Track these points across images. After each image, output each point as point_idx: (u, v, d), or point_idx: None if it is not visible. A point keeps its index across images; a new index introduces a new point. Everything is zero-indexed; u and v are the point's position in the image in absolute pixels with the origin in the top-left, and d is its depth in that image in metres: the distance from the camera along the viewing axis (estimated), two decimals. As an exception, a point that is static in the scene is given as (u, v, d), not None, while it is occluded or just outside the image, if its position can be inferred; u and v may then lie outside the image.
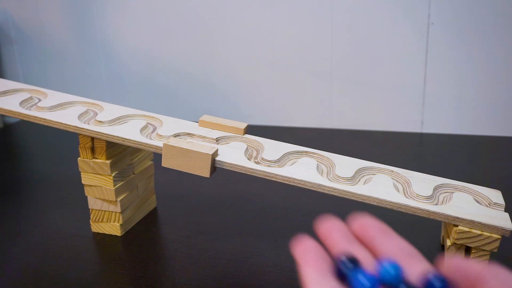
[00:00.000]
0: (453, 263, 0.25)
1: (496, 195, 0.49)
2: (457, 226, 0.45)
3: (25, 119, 0.56)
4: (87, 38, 1.02)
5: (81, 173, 0.56)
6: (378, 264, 0.27)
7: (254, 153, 0.52)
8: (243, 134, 0.54)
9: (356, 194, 0.47)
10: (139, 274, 0.51)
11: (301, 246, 0.27)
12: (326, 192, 0.47)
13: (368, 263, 0.28)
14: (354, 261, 0.27)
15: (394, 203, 0.46)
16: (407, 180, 0.50)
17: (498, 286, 0.22)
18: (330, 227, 0.30)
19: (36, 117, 0.55)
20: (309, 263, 0.26)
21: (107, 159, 0.55)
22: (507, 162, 0.78)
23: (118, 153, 0.56)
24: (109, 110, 0.58)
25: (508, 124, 0.89)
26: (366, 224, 0.29)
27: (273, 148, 0.52)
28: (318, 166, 0.50)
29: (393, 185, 0.49)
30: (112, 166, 0.55)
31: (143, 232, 0.59)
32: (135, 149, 0.59)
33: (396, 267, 0.26)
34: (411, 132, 0.92)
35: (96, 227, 0.58)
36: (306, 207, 0.64)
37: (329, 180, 0.48)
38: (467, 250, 0.46)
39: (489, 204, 0.48)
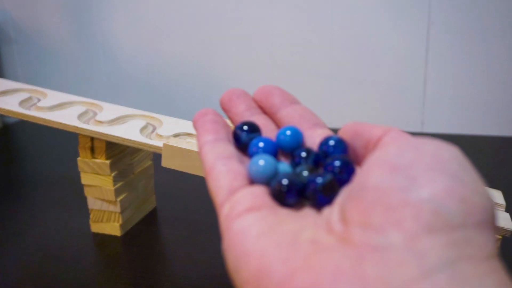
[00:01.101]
0: (352, 127, 0.24)
1: (496, 195, 0.49)
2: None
3: (24, 119, 0.56)
4: (87, 37, 1.02)
5: (81, 173, 0.56)
6: (278, 130, 0.26)
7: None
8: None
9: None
10: (139, 274, 0.51)
11: (201, 116, 0.26)
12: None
13: (270, 132, 0.27)
14: (253, 128, 0.26)
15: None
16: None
17: (390, 141, 0.22)
18: (233, 97, 0.28)
19: (35, 117, 0.55)
20: (206, 130, 0.25)
21: (107, 159, 0.54)
22: (507, 162, 0.78)
23: (118, 153, 0.56)
24: (109, 110, 0.58)
25: (509, 124, 0.88)
26: (269, 92, 0.28)
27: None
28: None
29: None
30: (112, 166, 0.55)
31: (143, 232, 0.59)
32: (135, 149, 0.59)
33: (295, 131, 0.25)
34: (411, 132, 0.92)
35: (95, 227, 0.58)
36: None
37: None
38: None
39: (489, 204, 0.48)
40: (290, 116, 0.27)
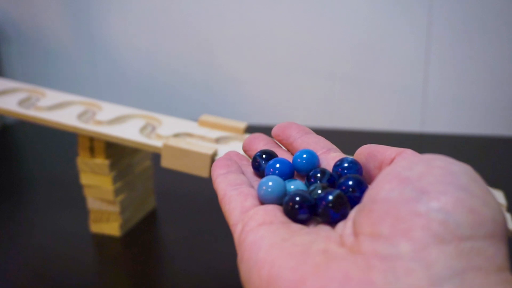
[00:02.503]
0: (366, 149, 0.25)
1: (497, 195, 0.49)
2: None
3: (23, 119, 0.56)
4: (87, 37, 1.02)
5: (80, 173, 0.56)
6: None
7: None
8: (243, 134, 0.54)
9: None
10: (139, 274, 0.51)
11: (218, 159, 0.27)
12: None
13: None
14: (270, 154, 0.27)
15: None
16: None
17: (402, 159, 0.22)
18: (253, 139, 0.30)
19: (34, 117, 0.55)
20: (219, 166, 0.26)
21: (106, 159, 0.54)
22: (508, 162, 0.78)
23: (117, 153, 0.56)
24: (108, 110, 0.58)
25: (510, 124, 0.88)
26: (286, 126, 0.29)
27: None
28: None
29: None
30: (111, 166, 0.55)
31: (143, 232, 0.59)
32: (134, 149, 0.58)
33: (311, 154, 0.26)
34: (411, 132, 0.92)
35: (95, 228, 0.58)
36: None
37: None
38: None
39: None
40: (305, 143, 0.28)
